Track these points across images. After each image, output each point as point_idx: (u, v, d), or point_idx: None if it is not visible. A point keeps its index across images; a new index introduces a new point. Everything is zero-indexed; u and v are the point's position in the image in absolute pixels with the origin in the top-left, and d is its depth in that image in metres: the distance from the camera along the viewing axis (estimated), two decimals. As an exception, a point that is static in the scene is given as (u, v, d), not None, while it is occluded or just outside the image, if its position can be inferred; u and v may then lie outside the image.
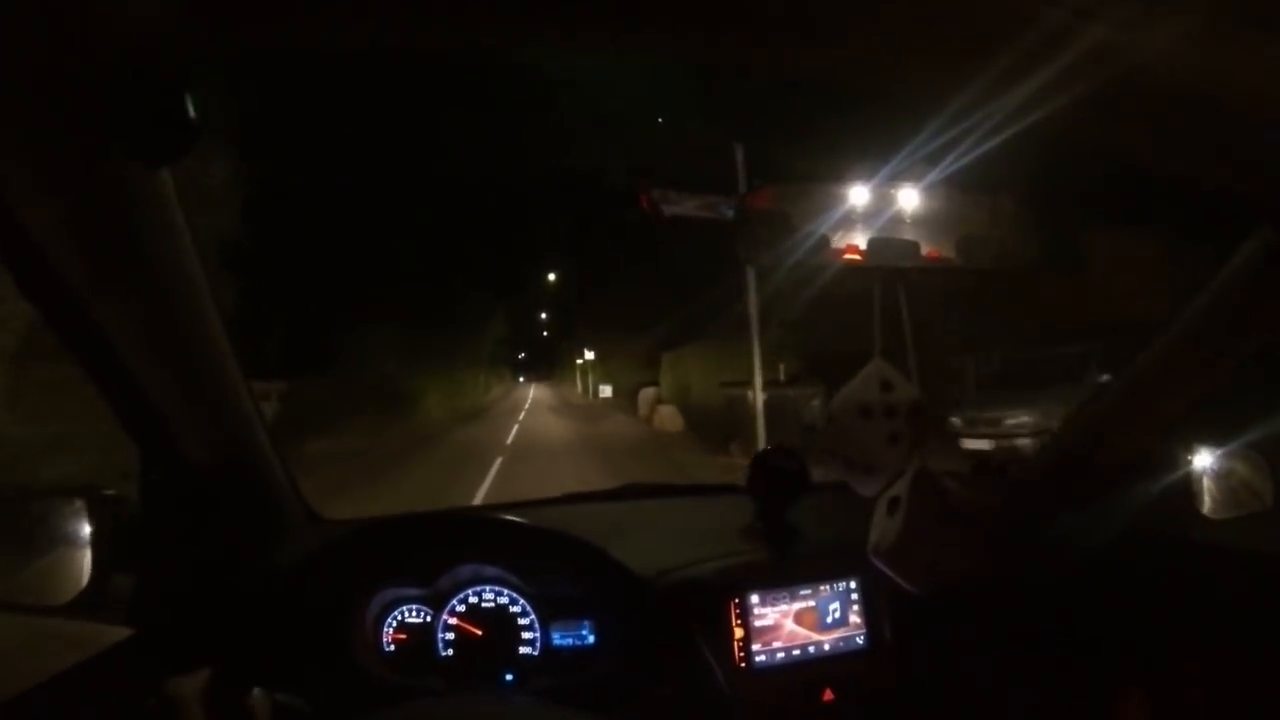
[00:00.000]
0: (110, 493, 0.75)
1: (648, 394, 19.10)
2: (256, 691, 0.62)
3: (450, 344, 25.76)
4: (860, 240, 0.83)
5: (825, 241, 0.81)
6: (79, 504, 0.74)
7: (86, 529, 0.73)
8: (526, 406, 30.24)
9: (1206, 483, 1.04)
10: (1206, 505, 1.01)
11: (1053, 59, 0.54)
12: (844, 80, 0.56)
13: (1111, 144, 0.73)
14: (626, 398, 23.07)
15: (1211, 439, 1.04)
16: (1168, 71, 0.49)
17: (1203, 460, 1.04)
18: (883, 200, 0.87)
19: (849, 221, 0.85)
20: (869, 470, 0.71)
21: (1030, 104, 0.63)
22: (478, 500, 6.71)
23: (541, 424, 19.32)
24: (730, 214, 0.78)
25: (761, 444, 7.67)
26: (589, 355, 35.45)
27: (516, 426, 17.73)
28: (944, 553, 0.71)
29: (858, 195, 0.86)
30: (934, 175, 0.84)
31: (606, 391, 28.64)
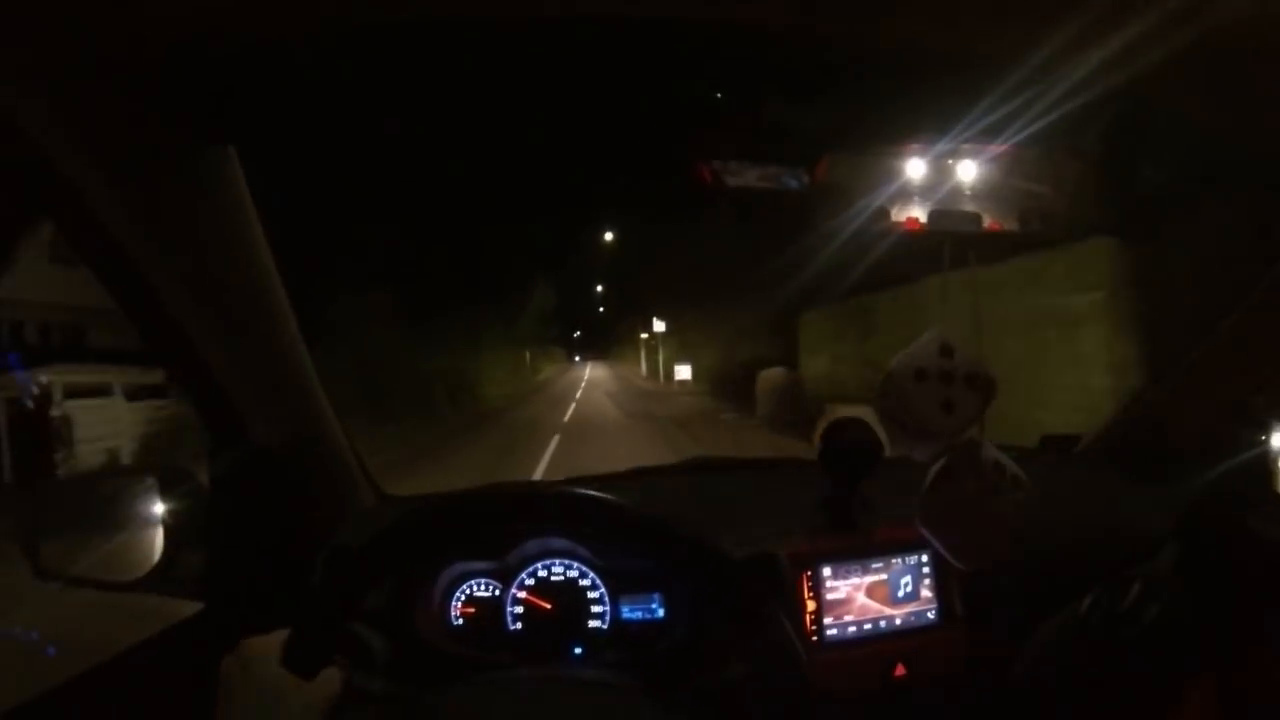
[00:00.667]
0: (182, 470, 0.78)
1: (773, 376, 11.52)
2: (329, 670, 0.64)
3: (475, 320, 21.73)
4: (920, 213, 0.81)
5: (884, 213, 0.79)
6: (150, 481, 0.77)
7: (159, 506, 0.76)
8: (578, 396, 22.83)
9: None
10: None
11: (1134, 18, 0.51)
12: (920, 39, 0.54)
13: (1190, 106, 0.69)
14: (711, 382, 17.42)
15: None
16: (1251, 28, 0.46)
17: (1280, 439, 1.00)
18: (942, 171, 0.84)
19: (906, 193, 0.82)
20: (921, 436, 0.69)
21: (1110, 65, 0.60)
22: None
23: (596, 427, 12.70)
24: (794, 185, 0.75)
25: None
26: (659, 327, 29.12)
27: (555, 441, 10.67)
28: (991, 529, 0.69)
29: (916, 167, 0.83)
30: (996, 144, 0.81)
31: (684, 373, 21.75)
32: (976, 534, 0.71)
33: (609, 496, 0.69)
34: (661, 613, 0.90)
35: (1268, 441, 1.01)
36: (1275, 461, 1.00)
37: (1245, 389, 1.02)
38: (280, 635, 0.59)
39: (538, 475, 7.85)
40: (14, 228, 0.53)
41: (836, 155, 0.77)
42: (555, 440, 10.60)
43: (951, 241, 0.79)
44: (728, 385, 14.59)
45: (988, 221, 0.83)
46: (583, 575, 0.92)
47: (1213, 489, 0.99)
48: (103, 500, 0.79)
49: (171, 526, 0.76)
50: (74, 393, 8.09)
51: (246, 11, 0.48)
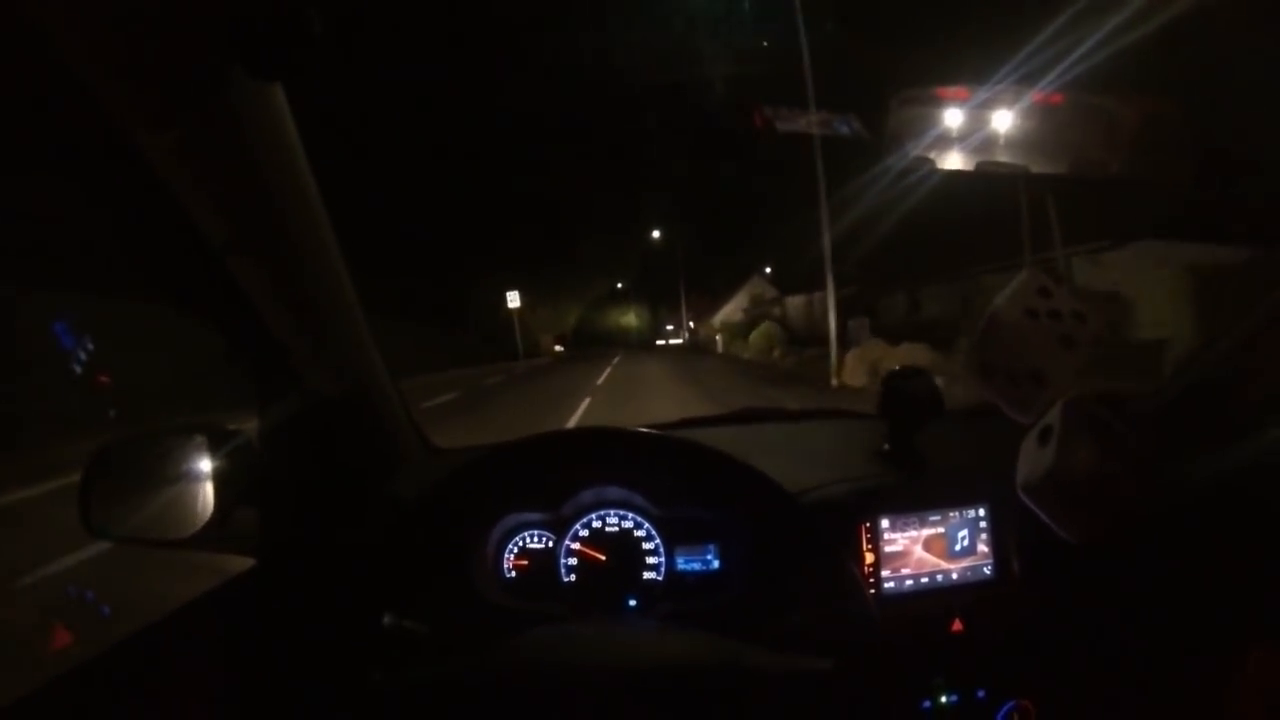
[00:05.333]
0: (231, 427, 0.78)
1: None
2: (387, 619, 0.64)
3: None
4: (967, 163, 0.79)
5: (929, 161, 0.77)
6: (200, 439, 0.77)
7: (209, 463, 0.77)
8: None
9: None
10: None
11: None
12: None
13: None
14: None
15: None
16: None
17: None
18: (984, 120, 0.82)
19: (949, 139, 0.81)
20: (1037, 381, 0.66)
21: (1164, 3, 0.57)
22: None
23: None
24: (845, 130, 0.74)
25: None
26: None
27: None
28: (1102, 492, 0.65)
29: (957, 115, 0.82)
30: (1044, 87, 0.79)
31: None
32: (1085, 501, 0.67)
33: (664, 445, 0.68)
34: (717, 564, 0.90)
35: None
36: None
37: None
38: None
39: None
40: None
41: (898, 96, 0.75)
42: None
43: (1026, 188, 0.77)
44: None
45: (1036, 170, 0.81)
46: (638, 526, 0.91)
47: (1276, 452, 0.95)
48: (154, 458, 0.80)
49: (222, 483, 0.76)
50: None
51: None
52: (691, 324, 41.06)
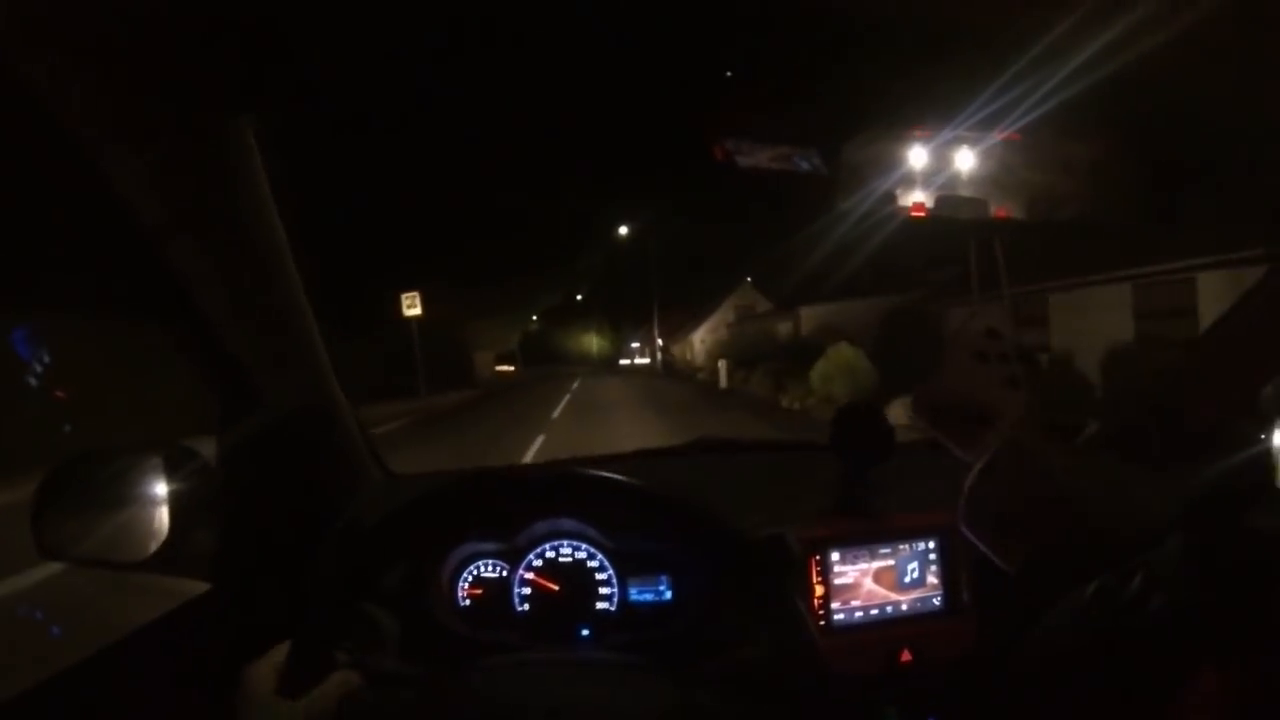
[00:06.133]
0: (187, 449, 0.77)
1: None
2: (337, 675, 0.63)
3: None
4: (926, 199, 0.81)
5: (891, 198, 0.79)
6: (157, 460, 0.76)
7: (165, 485, 0.76)
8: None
9: None
10: None
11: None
12: (928, 14, 0.54)
13: (1205, 83, 0.69)
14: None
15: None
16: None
17: (1281, 436, 0.99)
18: (946, 159, 0.84)
19: (911, 180, 0.83)
20: (985, 421, 0.68)
21: (1121, 43, 0.60)
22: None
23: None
24: (805, 166, 0.75)
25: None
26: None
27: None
28: (1040, 527, 0.68)
29: (919, 155, 0.84)
30: (1003, 127, 0.81)
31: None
32: (1021, 534, 0.69)
33: (621, 477, 0.69)
34: (670, 595, 0.91)
35: (1270, 437, 1.01)
36: (1277, 457, 1.00)
37: (1252, 382, 1.02)
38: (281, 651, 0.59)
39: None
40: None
41: (852, 140, 0.77)
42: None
43: (977, 236, 0.79)
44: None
45: (994, 209, 0.83)
46: (591, 557, 0.92)
47: (1217, 482, 0.99)
48: (109, 479, 0.78)
49: (178, 505, 0.75)
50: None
51: None
52: (660, 340, 34.74)
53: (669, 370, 30.45)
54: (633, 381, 22.32)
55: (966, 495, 0.70)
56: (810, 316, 19.11)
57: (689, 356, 31.08)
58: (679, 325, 35.34)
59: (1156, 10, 0.46)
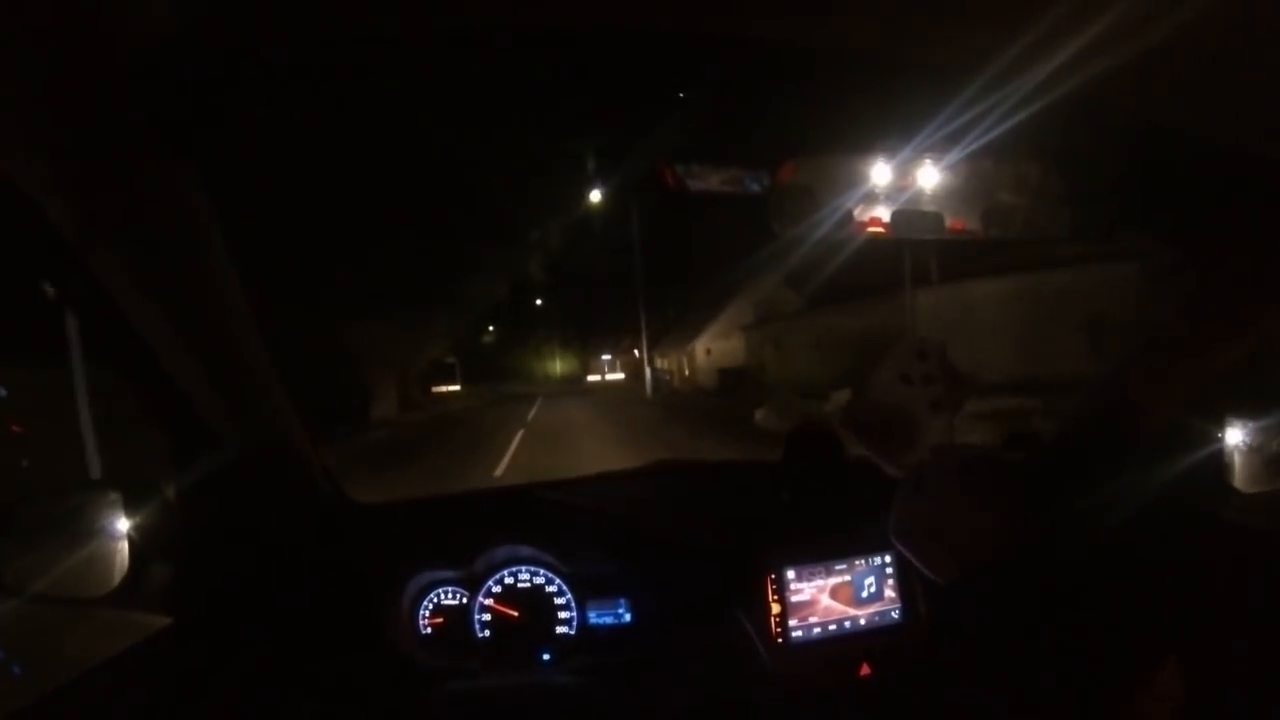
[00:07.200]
0: (147, 483, 0.76)
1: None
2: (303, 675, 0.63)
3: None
4: (884, 213, 0.82)
5: (849, 215, 0.80)
6: (115, 495, 0.75)
7: (124, 520, 0.75)
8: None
9: (1239, 456, 1.02)
10: (1239, 478, 1.00)
11: (1087, 27, 0.53)
12: (875, 48, 0.55)
13: (1144, 109, 0.71)
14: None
15: (1246, 413, 1.02)
16: (1204, 37, 0.48)
17: (1236, 434, 1.03)
18: (906, 174, 0.86)
19: (872, 195, 0.84)
20: (910, 440, 0.70)
21: (1063, 72, 0.62)
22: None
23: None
24: (755, 188, 0.76)
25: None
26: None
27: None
28: (969, 537, 0.70)
29: (881, 170, 0.85)
30: (960, 148, 0.83)
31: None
32: (951, 545, 0.72)
33: (576, 500, 0.69)
34: (629, 617, 0.91)
35: (1224, 436, 1.04)
36: (1231, 455, 1.03)
37: (1201, 383, 1.05)
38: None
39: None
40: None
41: (801, 160, 0.78)
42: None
43: (911, 252, 0.81)
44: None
45: (950, 221, 0.85)
46: (549, 581, 0.92)
47: (1173, 482, 1.02)
48: (66, 514, 0.77)
49: (137, 540, 0.74)
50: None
51: (212, 25, 0.47)
52: (636, 352, 26.54)
53: (661, 391, 20.83)
54: (611, 411, 14.35)
55: (896, 509, 0.71)
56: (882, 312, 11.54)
57: (687, 372, 23.86)
58: (658, 335, 27.16)
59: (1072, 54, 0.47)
